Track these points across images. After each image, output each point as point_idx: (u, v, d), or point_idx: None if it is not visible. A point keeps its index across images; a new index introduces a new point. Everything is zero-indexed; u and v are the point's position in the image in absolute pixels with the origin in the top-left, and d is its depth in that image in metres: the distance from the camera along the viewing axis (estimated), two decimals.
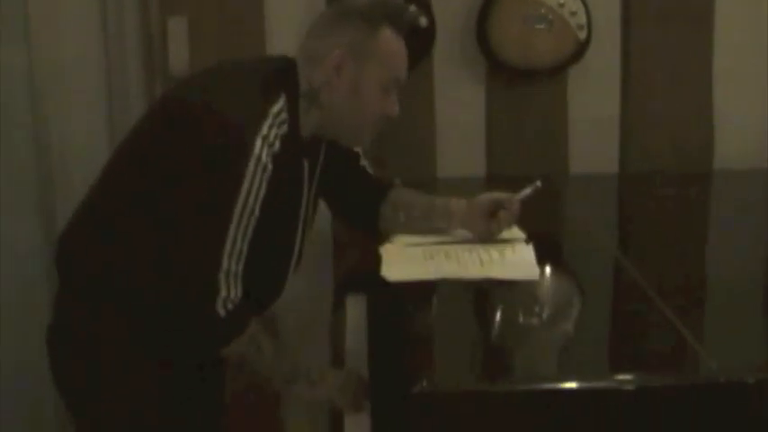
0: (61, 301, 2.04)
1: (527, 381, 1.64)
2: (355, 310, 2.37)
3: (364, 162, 2.27)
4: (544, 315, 1.98)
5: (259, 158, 1.83)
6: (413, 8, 2.70)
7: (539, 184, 2.24)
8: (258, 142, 1.84)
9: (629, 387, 1.60)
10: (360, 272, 2.56)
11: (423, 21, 2.86)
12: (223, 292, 1.84)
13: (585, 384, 1.61)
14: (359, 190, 2.27)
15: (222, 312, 1.85)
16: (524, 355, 1.79)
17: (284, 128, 1.90)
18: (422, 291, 2.03)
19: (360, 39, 1.98)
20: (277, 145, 1.87)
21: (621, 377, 1.64)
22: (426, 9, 2.88)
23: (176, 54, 2.94)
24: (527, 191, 2.24)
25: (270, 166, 1.85)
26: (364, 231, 2.34)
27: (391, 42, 2.01)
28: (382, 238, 2.27)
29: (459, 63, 3.02)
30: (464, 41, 2.99)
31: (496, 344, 1.86)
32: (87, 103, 2.99)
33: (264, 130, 1.86)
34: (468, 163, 3.07)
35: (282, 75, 1.98)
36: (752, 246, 2.40)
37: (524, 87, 3.04)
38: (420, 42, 2.89)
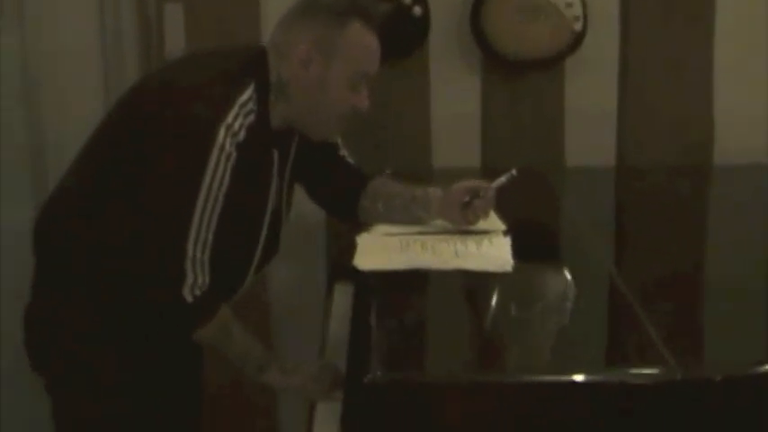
0: (37, 283, 2.07)
1: (502, 373, 1.65)
2: (342, 298, 2.37)
3: (344, 151, 2.25)
4: (527, 308, 1.96)
5: (222, 147, 1.84)
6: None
7: (514, 172, 2.22)
8: (222, 131, 1.84)
9: (595, 382, 1.59)
10: (350, 260, 2.56)
11: (417, 10, 2.86)
12: (190, 279, 1.86)
13: (554, 378, 1.60)
14: (338, 180, 2.26)
15: (190, 298, 1.87)
16: (502, 347, 1.78)
17: (251, 117, 1.90)
18: (407, 280, 2.01)
19: (327, 33, 1.96)
20: (242, 134, 1.87)
21: (592, 375, 1.61)
22: None
23: (172, 41, 2.95)
24: (502, 179, 2.22)
25: (234, 155, 1.85)
26: (344, 220, 2.33)
27: (360, 37, 1.99)
28: (362, 227, 2.26)
29: (455, 54, 3.01)
30: (459, 32, 2.97)
31: (472, 335, 1.85)
32: (83, 91, 3.00)
33: (229, 119, 1.86)
34: (464, 154, 3.06)
35: (253, 65, 1.98)
36: (749, 243, 2.37)
37: (520, 78, 3.02)
38: (414, 32, 2.88)
